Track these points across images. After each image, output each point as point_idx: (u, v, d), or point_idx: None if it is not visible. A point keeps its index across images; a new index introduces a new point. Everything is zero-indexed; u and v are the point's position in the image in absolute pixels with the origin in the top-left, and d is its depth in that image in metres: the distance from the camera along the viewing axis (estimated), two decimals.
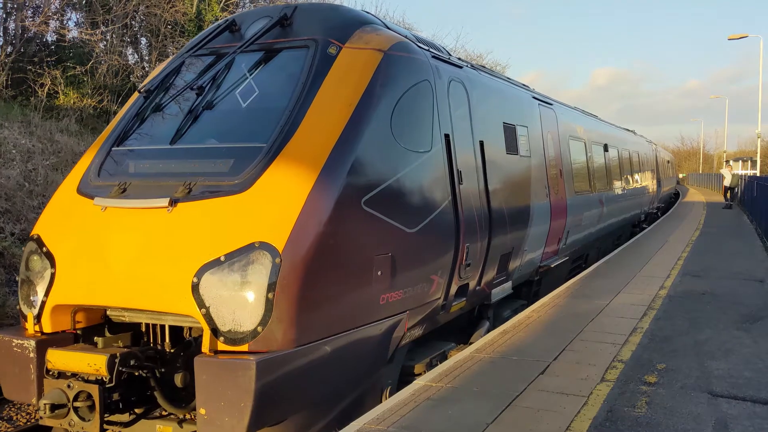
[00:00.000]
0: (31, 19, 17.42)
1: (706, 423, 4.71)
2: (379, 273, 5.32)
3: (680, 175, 73.71)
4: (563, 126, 11.62)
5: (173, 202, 4.87)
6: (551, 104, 11.33)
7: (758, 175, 38.72)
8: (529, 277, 9.79)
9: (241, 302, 4.51)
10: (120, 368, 4.66)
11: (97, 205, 5.15)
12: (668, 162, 37.42)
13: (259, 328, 4.48)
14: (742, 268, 12.07)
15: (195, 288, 4.56)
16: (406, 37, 6.59)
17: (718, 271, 11.73)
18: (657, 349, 6.58)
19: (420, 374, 6.30)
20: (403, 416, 4.78)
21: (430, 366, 6.53)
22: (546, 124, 10.47)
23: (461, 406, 4.97)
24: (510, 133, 8.63)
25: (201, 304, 4.55)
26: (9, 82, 16.46)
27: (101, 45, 18.63)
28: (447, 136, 6.63)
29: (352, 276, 5.09)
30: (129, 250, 4.89)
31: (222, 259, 4.57)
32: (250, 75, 5.88)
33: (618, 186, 16.41)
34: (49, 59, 17.49)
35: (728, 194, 32.04)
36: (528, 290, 10.00)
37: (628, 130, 22.68)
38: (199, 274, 4.58)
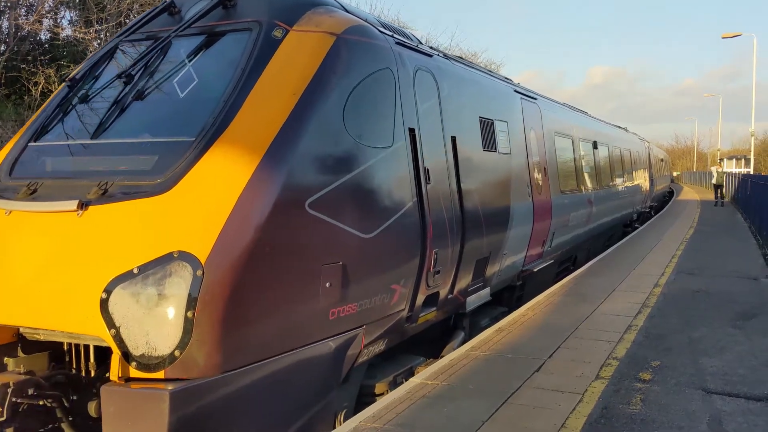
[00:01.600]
0: (24, 18, 17.37)
1: (700, 420, 4.69)
2: (327, 284, 4.69)
3: (674, 174, 73.36)
4: (548, 122, 11.00)
5: (83, 205, 4.24)
6: (535, 99, 10.70)
7: (752, 173, 38.29)
8: (511, 282, 9.17)
9: (155, 321, 3.87)
10: (14, 399, 4.02)
11: (1, 209, 4.51)
12: (662, 160, 36.93)
13: (177, 352, 3.84)
14: (736, 266, 12.08)
15: (103, 304, 3.93)
16: (366, 20, 5.97)
17: (712, 269, 11.70)
18: (652, 347, 6.53)
19: (382, 394, 5.68)
20: (399, 414, 4.74)
21: (395, 384, 5.91)
22: (529, 120, 9.85)
23: (457, 403, 4.95)
24: (487, 128, 8.00)
25: (110, 323, 3.91)
26: (3, 81, 16.16)
27: (95, 43, 18.34)
28: (412, 130, 6.00)
29: (294, 289, 4.45)
30: (34, 261, 4.26)
31: (135, 271, 3.94)
32: (188, 61, 5.25)
33: (608, 185, 15.83)
34: (42, 58, 17.24)
35: (719, 192, 31.86)
36: (510, 296, 9.38)
37: (620, 127, 22.14)
38: (109, 288, 3.94)
